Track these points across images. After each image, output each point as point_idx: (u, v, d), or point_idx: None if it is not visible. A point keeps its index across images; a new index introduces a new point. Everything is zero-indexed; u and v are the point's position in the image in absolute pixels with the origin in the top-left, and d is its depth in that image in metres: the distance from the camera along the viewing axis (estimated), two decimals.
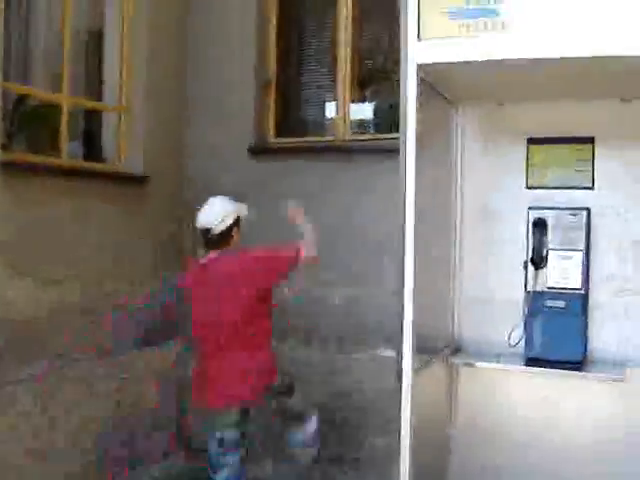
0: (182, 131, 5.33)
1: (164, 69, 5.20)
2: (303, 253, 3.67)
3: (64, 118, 4.50)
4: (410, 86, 2.74)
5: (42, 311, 4.14)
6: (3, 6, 3.96)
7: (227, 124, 5.21)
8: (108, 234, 4.63)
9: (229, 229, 3.69)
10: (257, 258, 3.67)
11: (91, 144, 5.19)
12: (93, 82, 5.16)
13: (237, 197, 3.97)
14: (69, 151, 4.55)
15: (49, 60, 4.82)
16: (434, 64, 2.72)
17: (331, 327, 4.92)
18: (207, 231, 3.66)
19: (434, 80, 2.98)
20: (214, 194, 4.49)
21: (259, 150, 5.16)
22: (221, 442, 3.61)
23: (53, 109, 4.55)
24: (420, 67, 2.72)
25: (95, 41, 5.17)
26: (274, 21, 5.30)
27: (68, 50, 4.53)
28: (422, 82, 2.78)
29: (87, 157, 5.03)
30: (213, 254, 3.69)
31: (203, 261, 3.73)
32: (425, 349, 3.02)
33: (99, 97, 5.11)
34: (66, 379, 4.25)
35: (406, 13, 2.73)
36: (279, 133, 5.32)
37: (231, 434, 3.63)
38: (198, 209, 3.76)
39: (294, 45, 5.48)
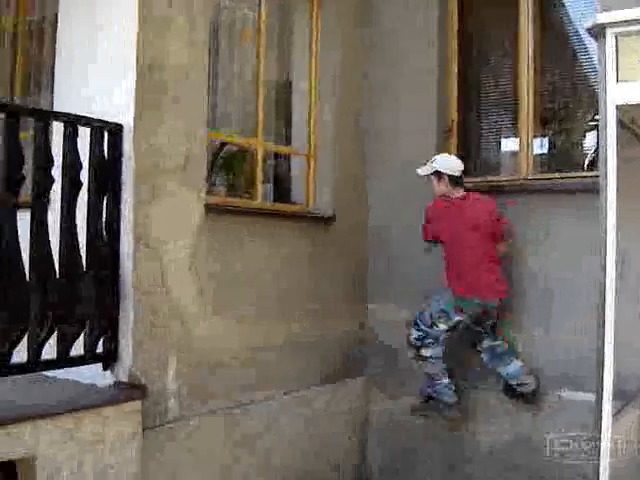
0: (364, 176, 5.54)
1: (348, 117, 5.45)
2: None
3: (259, 162, 4.82)
4: (609, 126, 2.77)
5: (235, 345, 4.41)
6: (207, 61, 4.31)
7: (408, 170, 5.33)
8: (298, 271, 4.87)
9: None
10: (494, 210, 4.77)
11: (279, 187, 5.48)
12: (280, 128, 5.47)
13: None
14: (263, 194, 4.86)
15: (243, 108, 5.14)
16: (631, 105, 2.75)
17: None
18: (459, 173, 4.76)
19: (630, 121, 2.99)
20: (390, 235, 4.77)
21: None
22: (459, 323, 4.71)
23: (247, 154, 4.89)
24: (618, 108, 2.74)
25: (284, 90, 5.49)
26: (455, 67, 5.41)
27: (262, 99, 4.87)
28: (619, 123, 2.80)
29: (276, 199, 5.33)
30: (458, 192, 4.77)
31: (455, 195, 4.76)
32: (621, 393, 2.97)
33: (287, 142, 5.40)
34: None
35: (605, 58, 2.76)
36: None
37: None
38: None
39: (474, 89, 5.56)
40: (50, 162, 3.45)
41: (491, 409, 5.00)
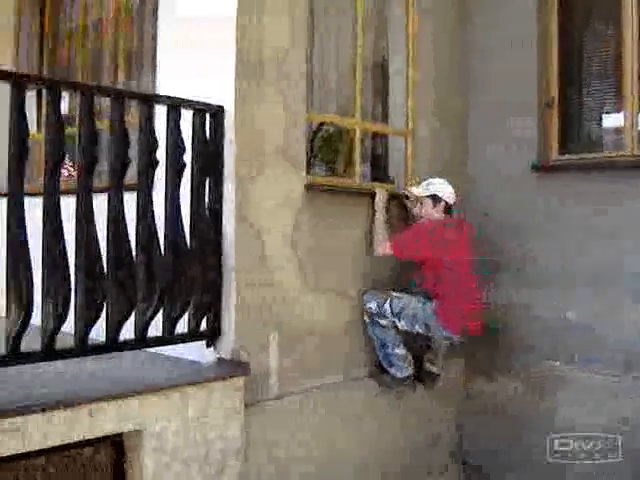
0: (464, 152, 5.44)
1: (447, 92, 5.37)
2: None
3: (357, 142, 4.81)
4: None
5: (337, 323, 4.45)
6: (306, 42, 4.32)
7: (507, 140, 5.22)
8: None
9: None
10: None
11: (377, 166, 5.46)
12: (378, 107, 5.43)
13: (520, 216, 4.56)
14: (361, 173, 4.85)
15: (341, 88, 5.13)
16: None
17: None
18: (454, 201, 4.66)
19: None
20: (494, 213, 4.68)
21: (542, 168, 5.11)
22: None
23: (345, 134, 4.89)
24: None
25: (379, 68, 5.44)
26: (555, 40, 5.23)
27: (360, 78, 4.85)
28: None
29: (375, 179, 5.30)
30: (445, 219, 4.62)
31: (446, 221, 4.62)
32: None
33: (384, 121, 5.37)
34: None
35: None
36: (562, 151, 5.23)
37: None
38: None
39: (574, 61, 5.37)
40: (154, 145, 3.54)
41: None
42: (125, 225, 3.39)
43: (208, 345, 3.87)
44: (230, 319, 3.86)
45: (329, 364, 4.33)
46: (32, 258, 3.05)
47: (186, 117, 3.71)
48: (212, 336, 3.86)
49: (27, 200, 3.10)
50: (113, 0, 5.13)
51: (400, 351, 4.53)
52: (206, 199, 3.81)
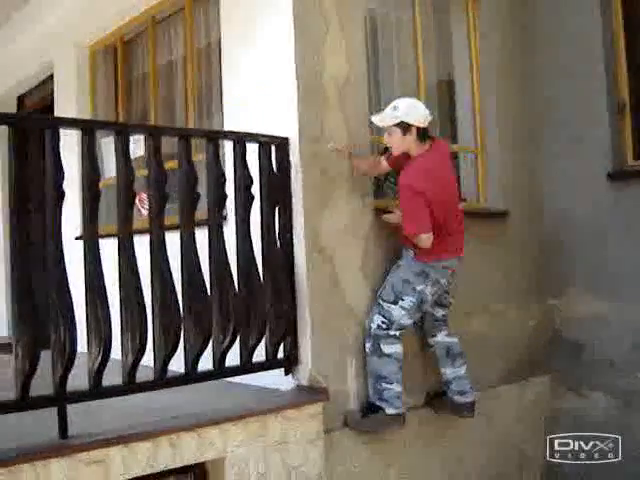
0: (536, 164, 5.36)
1: (516, 107, 5.34)
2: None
3: None
4: None
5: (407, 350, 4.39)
6: (366, 68, 4.37)
7: (581, 151, 5.14)
8: (473, 268, 4.78)
9: None
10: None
11: None
12: (446, 127, 5.42)
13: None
14: None
15: None
16: None
17: None
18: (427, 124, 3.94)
19: None
20: (571, 224, 4.57)
21: (618, 175, 5.00)
22: None
23: None
24: None
25: (446, 88, 5.45)
26: (622, 43, 5.13)
27: (423, 100, 4.85)
28: None
29: None
30: (423, 148, 3.95)
31: (421, 151, 3.95)
32: None
33: (454, 140, 5.36)
34: None
35: None
36: (637, 156, 5.10)
37: None
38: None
39: None
40: (222, 179, 3.64)
41: None
42: (198, 259, 3.49)
43: (286, 373, 3.93)
44: (306, 346, 3.91)
45: (407, 389, 4.32)
46: (110, 295, 3.18)
47: (253, 150, 3.81)
48: (289, 363, 3.92)
49: (104, 240, 3.27)
50: (182, 44, 5.32)
51: (397, 388, 3.99)
52: (276, 229, 3.89)
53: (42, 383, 3.03)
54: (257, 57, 4.15)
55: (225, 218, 3.92)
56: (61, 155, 3.07)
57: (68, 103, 6.24)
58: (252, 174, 3.78)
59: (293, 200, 3.95)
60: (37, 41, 6.74)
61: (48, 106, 6.71)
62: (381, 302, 4.04)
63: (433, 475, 4.46)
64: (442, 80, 5.38)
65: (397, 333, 4.01)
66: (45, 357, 2.99)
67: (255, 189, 3.79)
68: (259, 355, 3.78)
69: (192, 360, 3.46)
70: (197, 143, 4.11)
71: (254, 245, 3.75)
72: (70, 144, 3.34)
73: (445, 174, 4.04)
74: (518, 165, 5.30)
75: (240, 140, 3.76)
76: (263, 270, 3.79)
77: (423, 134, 3.91)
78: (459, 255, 4.13)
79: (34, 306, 2.99)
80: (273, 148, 3.89)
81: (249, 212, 3.75)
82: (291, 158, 3.94)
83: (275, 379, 3.91)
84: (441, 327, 4.31)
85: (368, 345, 4.04)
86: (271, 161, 3.89)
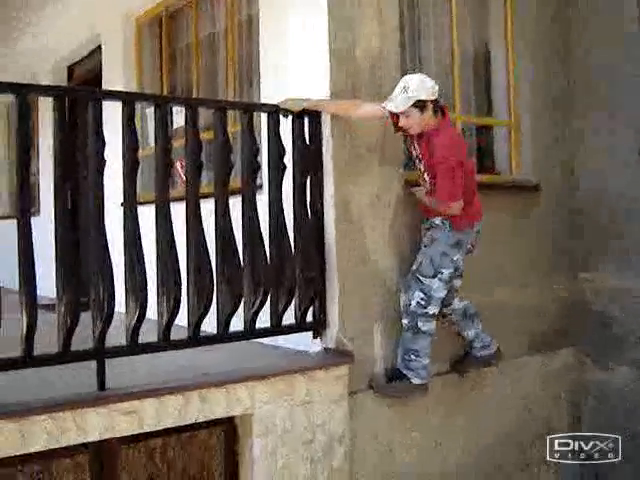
0: (570, 138, 5.41)
1: (550, 82, 5.37)
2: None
3: None
4: None
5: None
6: (398, 42, 4.46)
7: (615, 126, 5.16)
8: (504, 241, 4.90)
9: None
10: None
11: (484, 158, 5.51)
12: (481, 99, 5.48)
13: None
14: None
15: (440, 83, 5.20)
16: None
17: None
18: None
19: None
20: (603, 198, 4.60)
21: None
22: None
23: None
24: None
25: (482, 61, 5.50)
26: None
27: (458, 72, 4.96)
28: None
29: (480, 170, 5.36)
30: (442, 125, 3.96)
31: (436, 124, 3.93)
32: None
33: (488, 113, 5.43)
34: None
35: None
36: None
37: None
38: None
39: None
40: (256, 149, 3.80)
41: None
42: (231, 225, 3.67)
43: (314, 336, 4.10)
44: (334, 310, 4.07)
45: (432, 353, 4.45)
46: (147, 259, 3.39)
47: (287, 122, 3.96)
48: (318, 327, 4.09)
49: (147, 207, 3.48)
50: (223, 17, 5.46)
51: (426, 361, 4.13)
52: (308, 198, 4.04)
53: (82, 341, 3.27)
54: (292, 30, 4.27)
55: (260, 187, 4.10)
56: (102, 124, 3.27)
57: (115, 74, 6.46)
58: (285, 145, 3.92)
59: (324, 171, 4.08)
60: (86, 13, 6.96)
61: (96, 76, 6.93)
62: (420, 277, 4.09)
63: (454, 440, 4.60)
64: (477, 52, 5.43)
65: (435, 311, 4.11)
66: (85, 318, 3.22)
67: (288, 159, 3.94)
68: (289, 319, 3.95)
69: (224, 321, 3.66)
70: (234, 114, 4.27)
71: (286, 214, 3.91)
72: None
73: (462, 140, 4.13)
74: (551, 139, 5.34)
75: (274, 112, 3.91)
76: (294, 237, 3.95)
77: (438, 107, 3.92)
78: (480, 220, 4.24)
79: (76, 266, 3.22)
80: (306, 120, 4.03)
81: (281, 182, 3.91)
82: (323, 130, 4.07)
83: (304, 342, 4.09)
84: (454, 295, 4.37)
85: (405, 322, 4.13)
86: (303, 132, 4.02)
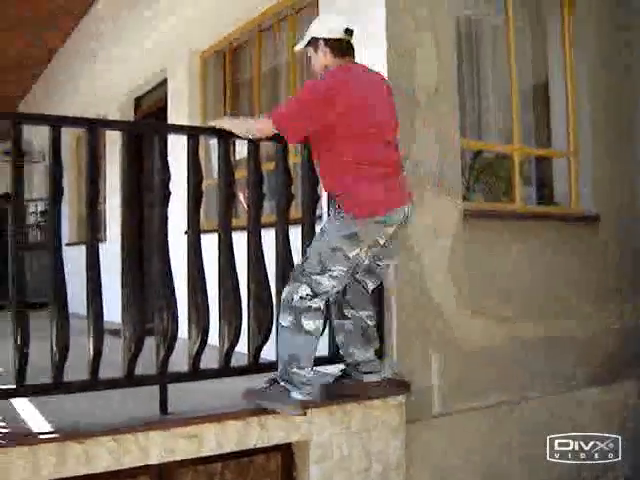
0: (631, 168, 5.37)
1: (609, 111, 5.35)
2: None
3: (516, 167, 4.93)
4: None
5: (495, 344, 4.54)
6: (456, 74, 4.52)
7: None
8: (561, 271, 4.87)
9: None
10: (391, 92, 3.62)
11: (543, 188, 5.51)
12: (540, 130, 5.49)
13: None
14: (523, 196, 4.95)
15: (499, 114, 5.25)
16: None
17: None
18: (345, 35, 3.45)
19: None
20: None
21: None
22: None
23: (505, 160, 5.02)
24: None
25: (540, 91, 5.52)
26: None
27: (517, 103, 4.98)
28: None
29: (540, 201, 5.37)
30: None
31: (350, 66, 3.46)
32: None
33: (548, 143, 5.43)
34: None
35: None
36: None
37: None
38: None
39: None
40: (315, 181, 3.86)
41: None
42: (291, 255, 3.74)
43: None
44: (392, 340, 4.10)
45: (489, 384, 4.44)
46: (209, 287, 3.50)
47: None
48: (375, 356, 4.11)
49: (209, 235, 3.59)
50: (285, 51, 5.60)
51: (309, 372, 3.41)
52: None
53: (145, 364, 3.39)
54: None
55: (319, 218, 4.18)
56: (167, 157, 3.41)
57: (180, 106, 6.67)
58: None
59: None
60: (153, 49, 7.23)
61: (162, 108, 7.15)
62: (307, 271, 3.39)
63: (506, 469, 4.55)
64: (536, 83, 5.45)
65: (322, 305, 3.40)
66: (148, 343, 3.33)
67: None
68: None
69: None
70: (294, 146, 4.38)
71: None
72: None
73: (368, 91, 3.40)
74: (611, 169, 5.32)
75: None
76: None
77: (340, 47, 3.44)
78: (405, 205, 3.44)
79: (141, 293, 3.34)
80: None
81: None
82: None
83: None
84: (365, 302, 3.68)
85: (285, 319, 3.40)
86: None
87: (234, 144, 3.73)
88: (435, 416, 4.22)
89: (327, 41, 3.43)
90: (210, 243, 3.61)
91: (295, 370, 3.36)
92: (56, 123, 3.26)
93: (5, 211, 10.20)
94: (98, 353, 3.21)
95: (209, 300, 3.48)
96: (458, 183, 4.46)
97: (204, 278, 3.49)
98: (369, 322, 3.67)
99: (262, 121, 3.49)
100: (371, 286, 3.68)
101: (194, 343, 3.46)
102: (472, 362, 4.40)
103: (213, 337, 3.52)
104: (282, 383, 3.40)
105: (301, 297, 3.36)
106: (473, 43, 5.05)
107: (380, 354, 4.08)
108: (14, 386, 3.11)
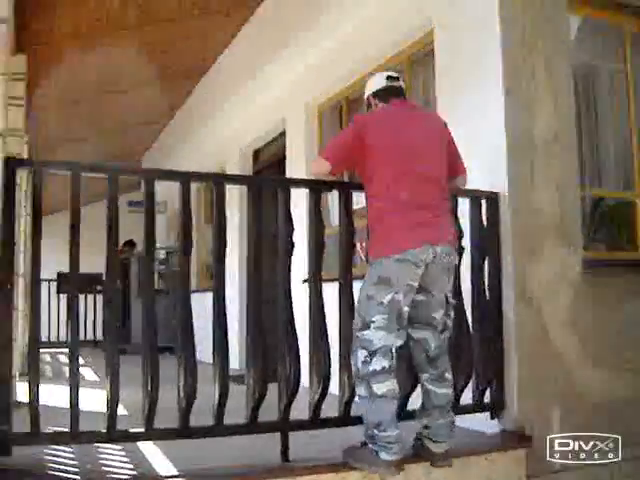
0: None
1: None
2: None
3: (638, 214, 4.82)
4: None
5: (620, 397, 4.37)
6: (575, 123, 4.47)
7: None
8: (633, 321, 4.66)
9: None
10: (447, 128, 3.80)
11: None
12: None
13: None
14: None
15: (619, 160, 5.13)
16: None
17: None
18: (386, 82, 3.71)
19: None
20: None
21: None
22: None
23: (627, 206, 4.91)
24: None
25: None
26: None
27: (638, 148, 4.87)
28: None
29: None
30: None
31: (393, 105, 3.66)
32: None
33: None
34: None
35: None
36: None
37: None
38: None
39: None
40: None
41: None
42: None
43: (492, 417, 4.08)
44: (512, 392, 4.04)
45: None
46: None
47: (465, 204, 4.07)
48: (495, 408, 4.07)
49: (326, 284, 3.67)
50: None
51: (394, 432, 3.31)
52: (485, 278, 4.08)
53: (265, 409, 3.46)
54: (468, 114, 4.40)
55: None
56: (291, 209, 3.53)
57: (298, 157, 6.87)
58: (463, 226, 4.01)
59: (502, 251, 4.13)
60: (272, 102, 7.49)
61: (280, 159, 7.37)
62: (357, 334, 3.40)
63: None
64: None
65: (386, 364, 3.30)
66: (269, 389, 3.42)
67: (466, 241, 4.01)
68: (466, 399, 3.97)
69: (402, 402, 3.70)
70: None
71: (463, 293, 3.96)
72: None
73: (405, 126, 3.54)
74: None
75: (453, 196, 3.98)
76: (472, 318, 3.99)
77: (385, 94, 3.69)
78: (437, 244, 3.38)
79: (264, 342, 3.43)
80: (484, 202, 4.11)
81: (459, 263, 3.94)
82: (500, 211, 4.13)
83: (482, 423, 4.07)
84: (424, 364, 3.55)
85: (360, 388, 3.37)
86: (481, 214, 4.10)
87: (351, 194, 3.81)
88: (555, 472, 4.09)
89: (375, 95, 3.72)
90: (325, 292, 3.67)
91: (378, 434, 3.31)
92: (185, 179, 3.45)
93: (128, 259, 10.72)
94: (223, 398, 3.32)
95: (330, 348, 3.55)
96: (578, 232, 4.39)
97: (326, 327, 3.56)
98: (428, 385, 3.52)
99: (317, 158, 3.72)
100: (434, 343, 3.51)
101: (315, 392, 3.53)
102: (597, 413, 4.26)
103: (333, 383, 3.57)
104: (370, 446, 3.36)
105: (362, 362, 3.33)
106: (590, 88, 4.99)
107: (501, 405, 4.05)
108: (143, 429, 3.26)
